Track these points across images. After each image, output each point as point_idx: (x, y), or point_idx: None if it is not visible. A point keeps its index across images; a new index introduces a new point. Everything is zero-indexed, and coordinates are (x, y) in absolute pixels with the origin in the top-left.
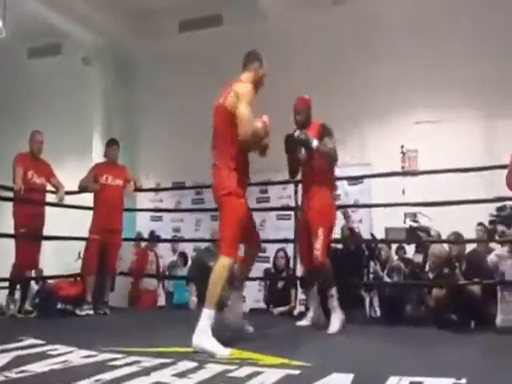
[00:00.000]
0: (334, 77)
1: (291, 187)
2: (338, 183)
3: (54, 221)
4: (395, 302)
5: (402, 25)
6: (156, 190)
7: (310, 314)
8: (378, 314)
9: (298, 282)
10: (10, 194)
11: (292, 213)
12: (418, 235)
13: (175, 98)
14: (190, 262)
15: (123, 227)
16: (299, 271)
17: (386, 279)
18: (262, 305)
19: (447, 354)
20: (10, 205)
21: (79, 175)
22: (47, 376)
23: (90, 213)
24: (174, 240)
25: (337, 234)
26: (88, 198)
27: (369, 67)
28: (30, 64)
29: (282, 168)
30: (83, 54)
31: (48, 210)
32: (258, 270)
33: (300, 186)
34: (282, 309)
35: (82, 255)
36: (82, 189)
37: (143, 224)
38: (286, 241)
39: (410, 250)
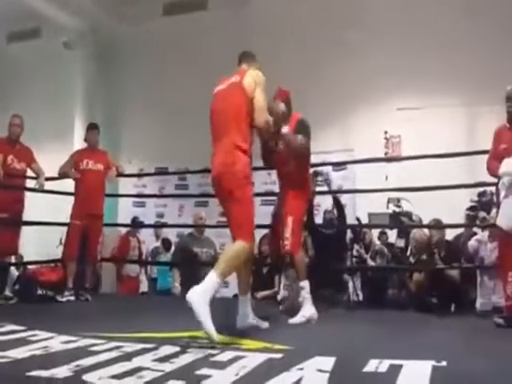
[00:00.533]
0: (317, 63)
1: (276, 172)
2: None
3: (35, 206)
4: (377, 285)
5: (385, 11)
6: (139, 175)
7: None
8: (361, 297)
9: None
10: None
11: (276, 198)
12: (400, 220)
13: (158, 83)
14: (173, 248)
15: (104, 212)
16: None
17: (370, 262)
18: None
19: (427, 337)
20: None
21: (60, 160)
22: (27, 362)
23: (72, 198)
24: (157, 225)
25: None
26: (69, 184)
27: (352, 53)
28: (10, 48)
29: None
30: (64, 38)
31: (28, 195)
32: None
33: None
34: (265, 293)
35: (63, 241)
36: (62, 176)
37: (126, 210)
38: (270, 226)
39: (392, 235)
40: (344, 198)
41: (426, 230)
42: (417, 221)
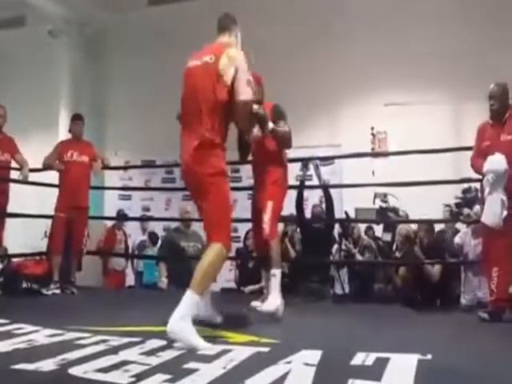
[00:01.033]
0: (303, 57)
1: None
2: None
3: (19, 198)
4: (364, 279)
5: (372, 5)
6: (125, 167)
7: (265, 295)
8: (347, 291)
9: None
10: None
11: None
12: (387, 215)
13: (145, 73)
14: (159, 242)
15: (90, 205)
16: None
17: (358, 257)
18: (233, 284)
19: (413, 332)
20: None
21: (45, 150)
22: (12, 355)
23: (56, 190)
24: (143, 219)
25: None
26: (54, 175)
27: (339, 48)
28: None
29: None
30: (50, 27)
31: (13, 186)
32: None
33: None
34: (252, 287)
35: (47, 234)
36: (47, 167)
37: (112, 202)
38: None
39: (379, 230)
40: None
41: (412, 225)
42: (403, 216)
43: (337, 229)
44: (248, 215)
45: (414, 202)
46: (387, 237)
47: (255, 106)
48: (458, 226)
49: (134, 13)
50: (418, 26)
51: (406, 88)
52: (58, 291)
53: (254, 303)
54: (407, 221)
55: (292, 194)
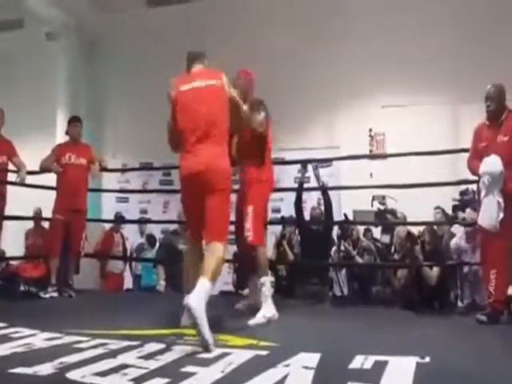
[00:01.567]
0: (301, 59)
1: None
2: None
3: (17, 201)
4: (363, 281)
5: (371, 8)
6: (123, 170)
7: (249, 298)
8: (346, 293)
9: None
10: None
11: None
12: (385, 217)
13: (143, 76)
14: (157, 245)
15: (88, 208)
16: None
17: (358, 258)
18: (232, 287)
19: (411, 334)
20: None
21: (43, 152)
22: (9, 359)
23: (54, 192)
24: (141, 221)
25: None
26: (51, 178)
27: (337, 50)
28: None
29: None
30: (47, 29)
31: (10, 189)
32: (228, 252)
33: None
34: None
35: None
36: (44, 170)
37: (109, 205)
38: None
39: (377, 232)
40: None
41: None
42: (401, 218)
43: (335, 230)
44: None
45: (412, 203)
46: (386, 239)
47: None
48: (454, 229)
49: (131, 15)
50: (416, 28)
51: (403, 90)
52: (55, 294)
53: (237, 305)
54: (405, 223)
55: (290, 196)
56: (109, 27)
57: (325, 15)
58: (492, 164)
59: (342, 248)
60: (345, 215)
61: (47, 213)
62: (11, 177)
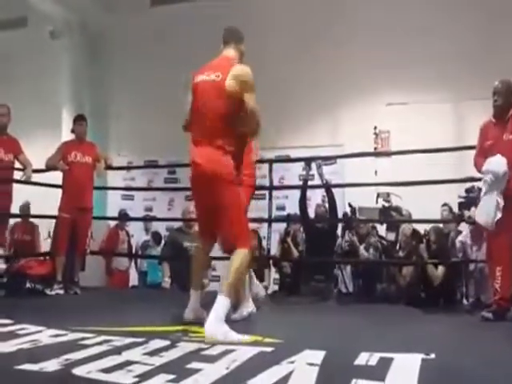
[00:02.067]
0: (306, 56)
1: (266, 167)
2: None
3: (23, 199)
4: (368, 278)
5: (374, 7)
6: (128, 168)
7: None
8: (351, 289)
9: (271, 262)
10: None
11: (266, 192)
12: (390, 215)
13: (147, 74)
14: (163, 242)
15: (93, 205)
16: (273, 251)
17: (363, 252)
18: None
19: (417, 331)
20: None
21: (48, 151)
22: (15, 355)
23: (60, 191)
24: (146, 219)
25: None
26: (57, 176)
27: (341, 48)
28: None
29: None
30: (51, 28)
31: (16, 187)
32: None
33: (274, 165)
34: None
35: (51, 234)
36: (50, 168)
37: (114, 203)
38: (261, 220)
39: (382, 229)
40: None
41: (414, 225)
42: (406, 215)
43: (340, 224)
44: (251, 215)
45: (416, 201)
46: (391, 236)
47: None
48: (461, 226)
49: (135, 14)
50: (420, 27)
51: (408, 87)
52: (61, 291)
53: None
54: (410, 220)
55: (295, 194)
56: (112, 26)
57: (329, 15)
58: (496, 164)
59: (347, 238)
60: (349, 205)
61: (53, 210)
62: (17, 175)
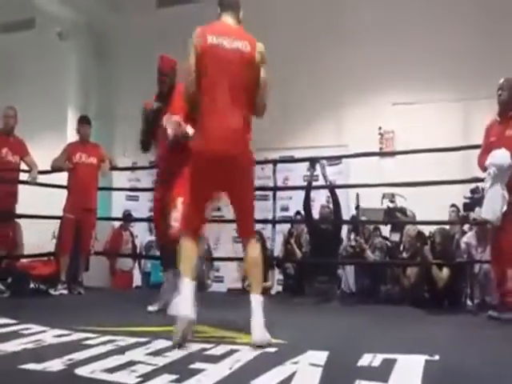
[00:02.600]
0: (310, 57)
1: (270, 167)
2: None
3: (28, 199)
4: (372, 279)
5: (379, 6)
6: (132, 168)
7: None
8: (354, 290)
9: (275, 262)
10: None
11: (270, 193)
12: (395, 216)
13: (153, 75)
14: None
15: (98, 206)
16: (277, 251)
17: (370, 254)
18: (239, 285)
19: (420, 332)
20: None
21: (53, 152)
22: (19, 355)
23: (65, 192)
24: (150, 219)
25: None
26: (62, 177)
27: (346, 48)
28: (3, 39)
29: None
30: (58, 29)
31: (21, 188)
32: (238, 251)
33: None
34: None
35: (56, 234)
36: (55, 169)
37: (119, 203)
38: (265, 221)
39: (385, 230)
40: (338, 193)
41: (419, 226)
42: (411, 216)
43: (345, 227)
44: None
45: (421, 202)
46: (395, 237)
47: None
48: (466, 227)
49: (142, 15)
50: (426, 26)
51: (413, 87)
52: (65, 291)
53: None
54: (415, 222)
55: (299, 194)
56: (119, 27)
57: (333, 13)
58: (501, 156)
59: (353, 241)
60: (357, 197)
61: (58, 211)
62: (23, 176)
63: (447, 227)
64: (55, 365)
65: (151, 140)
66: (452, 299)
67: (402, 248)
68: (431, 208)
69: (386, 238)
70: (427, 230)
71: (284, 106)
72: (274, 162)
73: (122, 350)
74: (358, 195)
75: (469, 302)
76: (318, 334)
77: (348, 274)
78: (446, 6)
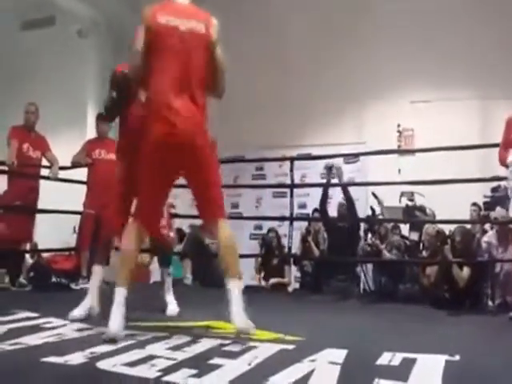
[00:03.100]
0: (329, 55)
1: (287, 164)
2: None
3: (49, 195)
4: (391, 277)
5: (399, 4)
6: None
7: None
8: (373, 289)
9: (292, 259)
10: (5, 168)
11: (288, 190)
12: (414, 214)
13: None
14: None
15: None
16: (294, 249)
17: (386, 254)
18: (256, 282)
19: (441, 332)
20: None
21: (73, 148)
22: (41, 349)
23: (85, 187)
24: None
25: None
26: (83, 173)
27: (366, 46)
28: (23, 35)
29: (278, 145)
30: (78, 27)
31: (43, 183)
32: (255, 247)
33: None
34: (274, 280)
35: (76, 229)
36: (75, 164)
37: None
38: (283, 218)
39: (404, 229)
40: (356, 191)
41: (439, 225)
42: (430, 215)
43: (363, 225)
44: (273, 213)
45: (441, 200)
46: (414, 236)
47: None
48: (487, 226)
49: None
50: (445, 24)
51: (432, 85)
52: (86, 286)
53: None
54: (435, 221)
55: (316, 192)
56: (138, 24)
57: (354, 12)
58: None
59: (369, 241)
60: (371, 208)
61: (78, 206)
62: (44, 172)
63: (468, 226)
64: (77, 358)
65: (121, 110)
66: (473, 299)
67: (421, 247)
68: (451, 206)
69: (405, 237)
70: (447, 228)
71: (303, 104)
72: (292, 160)
73: (142, 345)
74: (374, 194)
75: (490, 303)
76: (336, 331)
77: (367, 273)
78: (468, 3)
